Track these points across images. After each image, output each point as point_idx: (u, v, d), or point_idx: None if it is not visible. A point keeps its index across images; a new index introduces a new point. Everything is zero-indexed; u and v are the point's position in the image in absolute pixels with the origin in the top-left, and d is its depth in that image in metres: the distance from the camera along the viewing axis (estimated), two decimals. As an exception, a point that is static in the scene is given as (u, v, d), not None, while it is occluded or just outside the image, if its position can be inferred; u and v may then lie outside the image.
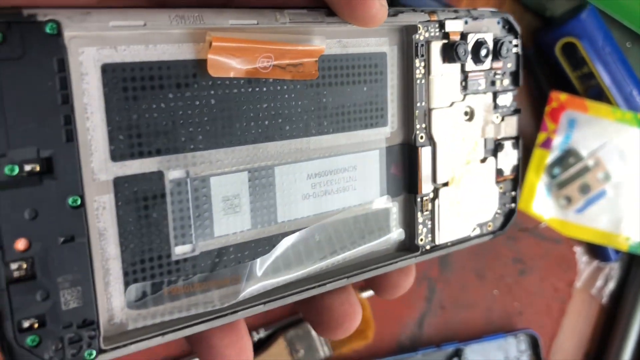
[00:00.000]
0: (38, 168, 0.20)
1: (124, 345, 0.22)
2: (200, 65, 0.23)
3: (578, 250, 0.58)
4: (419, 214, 0.29)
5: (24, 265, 0.20)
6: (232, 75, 0.24)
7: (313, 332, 0.45)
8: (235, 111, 0.25)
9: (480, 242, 0.32)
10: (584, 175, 0.57)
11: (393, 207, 0.29)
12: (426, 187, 0.29)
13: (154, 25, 0.22)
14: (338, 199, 0.28)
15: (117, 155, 0.22)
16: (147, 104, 0.22)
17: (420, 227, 0.30)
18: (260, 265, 0.26)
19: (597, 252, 0.58)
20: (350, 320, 0.28)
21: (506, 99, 0.32)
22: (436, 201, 0.30)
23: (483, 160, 0.31)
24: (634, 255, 0.59)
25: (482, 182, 0.32)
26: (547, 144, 0.56)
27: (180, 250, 0.24)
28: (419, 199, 0.29)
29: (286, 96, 0.26)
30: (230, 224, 0.25)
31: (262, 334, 0.46)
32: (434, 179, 0.29)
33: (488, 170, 0.32)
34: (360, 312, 0.28)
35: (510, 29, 0.31)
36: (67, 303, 0.21)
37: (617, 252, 0.58)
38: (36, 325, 0.20)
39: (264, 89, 0.25)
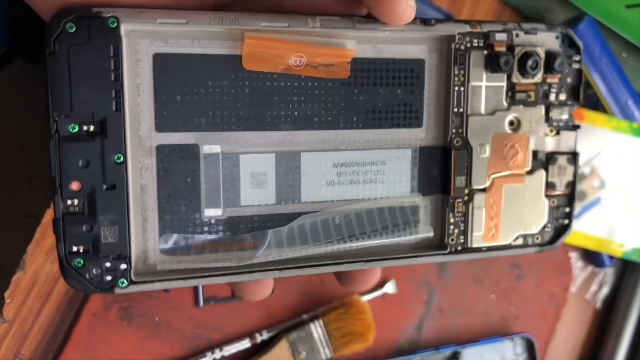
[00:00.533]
0: (92, 128, 0.25)
1: (151, 281, 0.26)
2: (237, 60, 0.27)
3: (573, 255, 0.59)
4: (451, 214, 0.30)
5: (76, 202, 0.25)
6: (265, 70, 0.27)
7: (315, 335, 0.46)
8: (267, 101, 0.28)
9: (523, 253, 0.32)
10: (580, 183, 0.58)
11: (423, 205, 0.30)
12: (459, 190, 0.30)
13: (195, 23, 0.25)
14: (363, 190, 0.30)
15: (160, 127, 0.26)
16: (189, 88, 0.26)
17: (452, 227, 0.30)
18: (277, 234, 0.28)
19: (591, 257, 0.59)
20: (367, 283, 0.30)
21: (562, 114, 0.32)
22: (470, 204, 0.30)
23: (530, 172, 0.31)
24: (627, 261, 0.60)
25: (528, 194, 0.31)
26: (544, 152, 0.58)
27: (209, 212, 0.27)
28: (450, 200, 0.30)
29: (317, 92, 0.28)
30: (256, 196, 0.28)
31: (265, 335, 0.46)
32: (468, 183, 0.30)
33: (536, 182, 0.32)
34: (378, 273, 0.30)
35: (571, 44, 0.31)
36: (106, 237, 0.25)
37: (611, 258, 0.59)
38: (81, 250, 0.25)
39: (296, 83, 0.28)
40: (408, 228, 0.30)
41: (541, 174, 0.32)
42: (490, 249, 0.31)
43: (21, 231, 0.45)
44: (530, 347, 0.54)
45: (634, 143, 0.57)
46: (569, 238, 0.57)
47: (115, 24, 0.24)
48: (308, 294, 0.49)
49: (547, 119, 0.32)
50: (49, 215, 0.44)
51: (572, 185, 0.32)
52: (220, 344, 0.46)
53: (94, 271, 0.25)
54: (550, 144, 0.32)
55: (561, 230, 0.33)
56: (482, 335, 0.54)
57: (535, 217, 0.32)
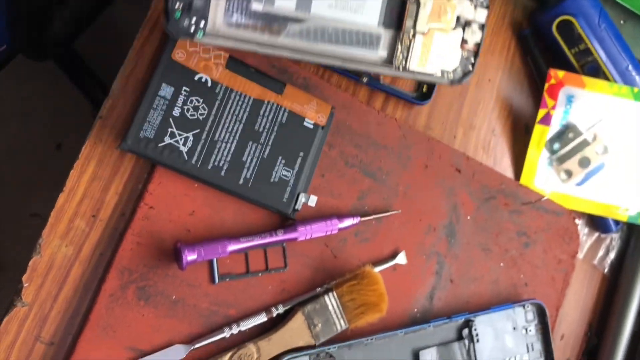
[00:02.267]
0: None
1: (216, 37, 0.42)
2: None
3: (579, 222, 0.60)
4: (399, 44, 0.45)
5: None
6: None
7: (330, 307, 0.47)
8: None
9: (439, 82, 0.47)
10: (583, 150, 0.58)
11: (384, 34, 0.45)
12: (408, 29, 0.45)
13: None
14: (349, 15, 0.44)
15: None
16: None
17: (399, 52, 0.46)
18: (293, 27, 0.44)
19: (598, 223, 0.60)
20: None
21: None
22: (413, 40, 0.45)
23: (454, 29, 0.46)
24: (633, 225, 0.61)
25: (449, 43, 0.46)
26: (546, 120, 0.58)
27: (255, 6, 0.42)
28: (401, 34, 0.45)
29: None
30: (284, 2, 0.43)
31: (281, 309, 0.47)
32: (414, 25, 0.45)
33: (455, 36, 0.46)
34: None
35: None
36: (197, 1, 0.40)
37: (617, 223, 0.60)
38: (180, 7, 0.40)
39: None
40: (372, 45, 0.45)
41: (460, 31, 0.46)
42: (420, 73, 0.46)
43: (28, 230, 0.45)
44: (541, 313, 0.54)
45: (635, 107, 0.58)
46: (574, 205, 0.58)
47: None
48: (321, 268, 0.49)
49: None
50: (62, 198, 0.45)
51: (478, 45, 0.47)
52: (237, 320, 0.46)
53: (186, 22, 0.40)
54: (469, 13, 0.46)
55: (467, 73, 0.47)
56: (493, 303, 0.54)
57: (452, 60, 0.47)
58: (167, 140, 0.45)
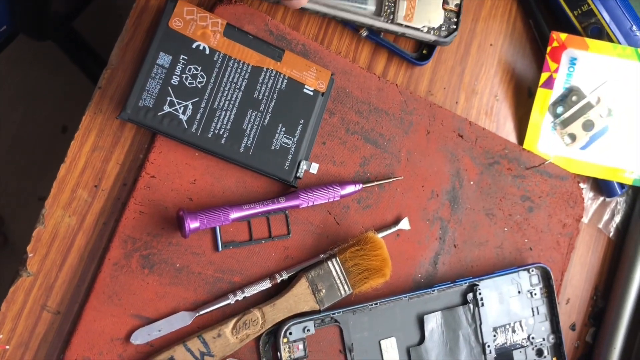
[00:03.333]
0: None
1: None
2: None
3: (584, 186, 0.59)
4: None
5: None
6: None
7: (333, 272, 0.47)
8: None
9: (424, 38, 0.52)
10: (586, 113, 0.58)
11: None
12: None
13: None
14: None
15: None
16: None
17: (386, 7, 0.51)
18: None
19: (602, 187, 0.59)
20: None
21: None
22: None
23: None
24: (638, 188, 0.60)
25: (432, 3, 0.52)
26: (549, 84, 0.57)
27: None
28: None
29: None
30: None
31: (285, 275, 0.47)
32: None
33: None
34: None
35: None
36: None
37: (622, 186, 0.59)
38: None
39: None
40: (362, 2, 0.51)
41: None
42: (407, 26, 0.51)
43: (37, 215, 0.45)
44: (546, 277, 0.54)
45: (639, 68, 0.57)
46: (578, 168, 0.57)
47: None
48: (324, 235, 0.49)
49: None
50: (63, 169, 0.45)
51: (459, 6, 0.53)
52: (241, 286, 0.47)
53: None
54: None
55: (452, 31, 0.53)
56: (498, 267, 0.54)
57: (436, 19, 0.52)
58: (167, 109, 0.45)
